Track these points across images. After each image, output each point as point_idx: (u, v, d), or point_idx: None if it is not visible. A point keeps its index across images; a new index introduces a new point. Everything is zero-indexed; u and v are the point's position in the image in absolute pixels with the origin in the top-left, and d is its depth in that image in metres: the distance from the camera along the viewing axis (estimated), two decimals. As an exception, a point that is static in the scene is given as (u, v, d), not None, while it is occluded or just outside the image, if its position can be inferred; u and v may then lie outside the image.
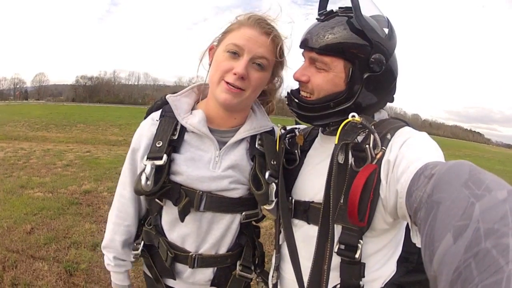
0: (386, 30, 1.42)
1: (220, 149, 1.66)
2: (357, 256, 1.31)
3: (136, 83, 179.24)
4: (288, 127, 1.79)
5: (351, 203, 1.21)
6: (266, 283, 1.82)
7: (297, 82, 1.52)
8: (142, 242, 1.74)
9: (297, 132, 1.73)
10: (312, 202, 1.48)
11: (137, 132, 1.72)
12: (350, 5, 1.38)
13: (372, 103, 1.47)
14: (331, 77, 1.40)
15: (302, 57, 1.52)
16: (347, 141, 1.29)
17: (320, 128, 1.65)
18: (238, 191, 1.64)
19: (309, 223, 1.49)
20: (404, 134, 1.31)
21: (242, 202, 1.65)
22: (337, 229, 1.35)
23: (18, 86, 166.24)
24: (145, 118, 1.76)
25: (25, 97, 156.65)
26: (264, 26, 1.55)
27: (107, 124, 28.39)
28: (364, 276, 1.35)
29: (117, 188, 1.78)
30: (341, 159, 1.29)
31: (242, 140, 1.71)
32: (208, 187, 1.59)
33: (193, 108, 1.73)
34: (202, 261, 1.65)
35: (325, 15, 1.46)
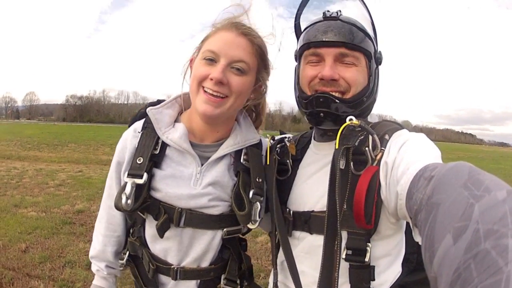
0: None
1: (202, 165, 1.61)
2: (367, 259, 1.30)
3: (125, 102, 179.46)
4: (277, 137, 1.76)
5: (357, 207, 1.22)
6: None
7: (305, 85, 1.50)
8: (128, 252, 1.72)
9: (286, 142, 1.67)
10: (313, 211, 1.47)
11: (120, 143, 1.68)
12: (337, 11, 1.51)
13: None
14: (361, 71, 1.45)
15: (311, 57, 1.49)
16: (348, 145, 1.31)
17: (316, 135, 1.64)
18: (219, 208, 1.59)
19: (311, 233, 1.47)
20: (403, 135, 1.33)
21: (223, 219, 1.60)
22: (343, 235, 1.32)
23: (9, 105, 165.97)
24: (129, 126, 1.72)
25: (17, 116, 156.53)
26: (240, 27, 1.52)
27: (98, 144, 28.26)
28: (374, 279, 1.35)
29: (105, 200, 1.75)
30: (342, 164, 1.29)
31: (225, 155, 1.65)
32: (186, 204, 1.55)
33: (176, 120, 1.69)
34: (184, 273, 1.62)
35: (336, 14, 1.50)
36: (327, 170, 1.33)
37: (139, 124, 1.66)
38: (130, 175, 1.52)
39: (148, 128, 1.61)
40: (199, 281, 1.66)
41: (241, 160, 1.65)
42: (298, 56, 1.57)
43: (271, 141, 1.72)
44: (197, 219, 1.57)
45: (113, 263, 1.76)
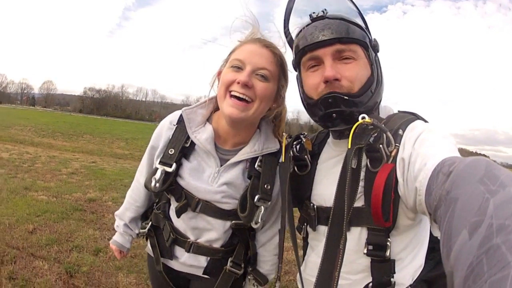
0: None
1: (220, 166, 1.81)
2: (387, 254, 1.33)
3: (143, 99, 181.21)
4: (294, 135, 1.81)
5: (375, 205, 1.25)
6: (258, 281, 2.01)
7: (314, 89, 1.48)
8: (150, 223, 2.04)
9: (303, 138, 1.73)
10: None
11: (156, 131, 1.93)
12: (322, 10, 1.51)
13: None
14: (362, 64, 1.43)
15: (310, 61, 1.49)
16: (361, 144, 1.32)
17: (333, 134, 1.64)
18: (229, 205, 1.79)
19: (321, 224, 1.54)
20: (416, 128, 1.32)
21: (232, 214, 1.80)
22: (363, 231, 1.38)
23: (25, 91, 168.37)
24: None
25: (32, 103, 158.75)
26: (263, 41, 1.70)
27: (114, 137, 28.50)
28: (395, 272, 1.36)
29: (136, 172, 2.09)
30: (354, 163, 1.31)
31: (242, 160, 1.82)
32: (203, 196, 1.78)
33: (208, 119, 1.89)
34: (197, 248, 1.87)
35: (323, 13, 1.50)
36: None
37: (174, 117, 1.89)
38: (162, 162, 1.78)
39: (182, 123, 1.83)
40: (208, 258, 1.91)
41: (255, 166, 1.81)
42: (297, 64, 1.59)
43: (288, 139, 1.76)
44: (210, 210, 1.80)
45: (130, 225, 2.15)
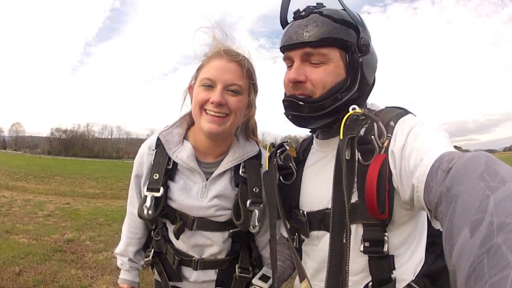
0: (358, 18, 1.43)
1: (206, 180, 1.80)
2: (385, 249, 1.26)
3: (109, 137, 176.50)
4: (277, 144, 1.74)
5: (369, 197, 1.18)
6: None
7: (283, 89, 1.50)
8: (153, 250, 1.95)
9: (286, 146, 1.68)
10: (327, 209, 1.40)
11: (137, 159, 1.89)
12: (315, 3, 1.44)
13: (370, 86, 1.47)
14: (332, 68, 1.36)
15: (286, 61, 1.48)
16: (353, 134, 1.27)
17: (318, 133, 1.60)
18: (224, 217, 1.79)
19: (329, 231, 1.36)
20: (408, 121, 1.27)
21: (228, 224, 1.80)
22: (359, 228, 1.29)
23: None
24: None
25: (3, 146, 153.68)
26: (229, 54, 1.67)
27: (84, 177, 27.98)
28: (395, 268, 1.29)
29: (128, 207, 2.00)
30: (347, 154, 1.26)
31: (226, 170, 1.82)
32: (197, 213, 1.77)
33: (185, 136, 1.87)
34: (203, 264, 1.84)
35: (304, 12, 1.42)
36: (333, 165, 1.32)
37: (152, 142, 1.87)
38: (149, 189, 1.75)
39: (161, 146, 1.81)
40: (217, 270, 1.88)
41: (240, 173, 1.82)
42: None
43: (271, 148, 1.72)
44: (206, 225, 1.79)
45: (134, 259, 2.03)
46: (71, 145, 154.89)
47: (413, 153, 1.12)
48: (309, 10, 1.41)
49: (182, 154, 1.78)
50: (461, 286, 0.64)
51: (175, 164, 1.80)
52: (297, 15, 1.44)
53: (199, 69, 1.75)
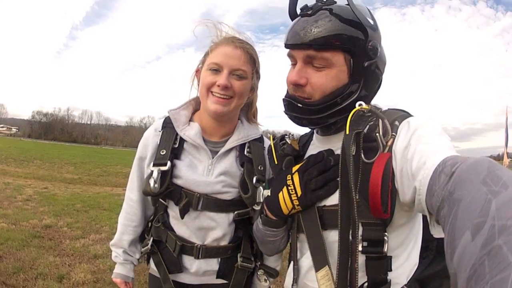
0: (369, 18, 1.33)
1: (212, 158, 1.84)
2: (385, 249, 1.20)
3: (88, 122, 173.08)
4: (278, 135, 1.68)
5: (374, 195, 1.13)
6: (269, 274, 1.93)
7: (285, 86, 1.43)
8: (151, 238, 1.90)
9: (287, 139, 1.57)
10: (325, 206, 1.35)
11: (142, 142, 1.90)
12: None
13: (374, 91, 1.41)
14: (334, 73, 1.29)
15: (290, 58, 1.40)
16: (359, 129, 1.21)
17: (319, 130, 1.52)
18: (230, 194, 1.81)
19: (325, 229, 1.35)
20: (413, 122, 1.23)
21: (234, 203, 1.81)
22: (358, 227, 1.21)
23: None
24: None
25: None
26: (236, 41, 1.77)
27: (62, 162, 27.43)
28: (391, 270, 1.24)
29: (126, 193, 1.97)
30: (353, 150, 1.20)
31: (232, 149, 1.87)
32: (203, 190, 1.77)
33: (190, 119, 1.91)
34: (206, 251, 1.81)
35: (311, 9, 1.32)
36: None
37: (158, 125, 1.91)
38: (156, 164, 1.76)
39: (167, 127, 1.86)
40: (219, 259, 1.86)
41: (245, 153, 1.89)
42: None
43: (274, 140, 1.65)
44: (212, 204, 1.79)
45: (129, 251, 1.97)
46: (51, 129, 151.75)
47: (416, 155, 1.10)
48: (317, 7, 1.31)
49: (190, 131, 1.83)
50: None
51: (181, 143, 1.84)
52: (304, 11, 1.34)
53: (206, 54, 1.81)
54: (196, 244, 1.81)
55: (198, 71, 1.89)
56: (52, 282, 4.67)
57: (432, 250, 1.43)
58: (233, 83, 1.72)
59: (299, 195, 1.36)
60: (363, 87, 1.33)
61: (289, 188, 1.38)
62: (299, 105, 1.34)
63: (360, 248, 1.20)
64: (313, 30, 1.26)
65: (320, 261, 1.32)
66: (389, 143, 1.21)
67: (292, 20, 1.41)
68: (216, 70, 1.72)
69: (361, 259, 1.22)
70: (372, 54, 1.30)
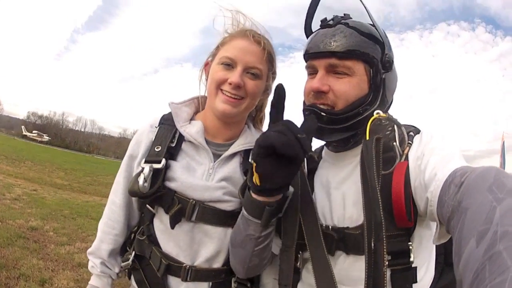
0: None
1: (214, 161, 1.61)
2: (412, 259, 1.17)
3: (82, 130, 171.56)
4: None
5: (398, 204, 1.11)
6: None
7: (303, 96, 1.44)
8: (133, 253, 1.62)
9: None
10: (348, 228, 1.29)
11: (135, 138, 1.68)
12: (342, 13, 1.39)
13: (390, 102, 1.42)
14: (356, 82, 1.30)
15: (309, 69, 1.41)
16: (379, 136, 1.21)
17: (333, 146, 1.48)
18: (232, 204, 1.54)
19: (348, 254, 1.28)
20: (427, 134, 1.25)
21: (234, 216, 1.48)
22: None
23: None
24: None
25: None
26: (253, 35, 1.55)
27: (53, 167, 27.06)
28: (416, 281, 1.20)
29: (110, 196, 1.70)
30: (374, 162, 1.17)
31: (236, 154, 1.64)
32: (201, 195, 1.51)
33: (191, 119, 1.70)
34: (196, 274, 1.53)
35: (333, 21, 1.36)
36: (354, 180, 1.28)
37: (155, 120, 1.68)
38: (148, 161, 1.53)
39: (165, 124, 1.64)
40: (210, 283, 1.57)
41: (249, 160, 1.57)
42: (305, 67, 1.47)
43: None
44: (209, 214, 1.52)
45: (108, 262, 1.66)
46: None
47: (428, 166, 1.10)
48: (337, 20, 1.36)
49: (191, 129, 1.62)
50: None
51: (179, 142, 1.61)
52: (325, 23, 1.38)
53: (218, 47, 1.62)
54: (184, 265, 1.53)
55: (207, 65, 1.68)
56: (34, 284, 4.53)
57: (440, 263, 1.39)
58: (246, 82, 1.52)
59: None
60: (383, 97, 1.35)
61: None
62: (322, 114, 1.31)
63: (386, 262, 1.12)
64: (336, 39, 1.29)
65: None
66: (406, 151, 1.21)
67: (307, 36, 1.46)
68: (229, 65, 1.52)
69: (387, 274, 1.14)
70: (388, 66, 1.34)
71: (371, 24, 1.38)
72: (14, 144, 46.33)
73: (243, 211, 1.34)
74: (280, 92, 1.23)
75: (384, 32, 1.38)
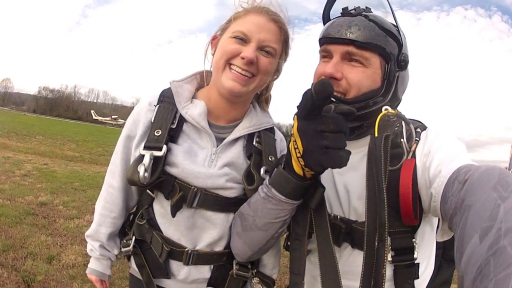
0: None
1: (217, 146, 1.51)
2: (415, 256, 1.16)
3: (95, 101, 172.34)
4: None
5: (405, 202, 1.10)
6: (265, 282, 1.62)
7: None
8: (134, 238, 1.57)
9: None
10: (356, 221, 1.27)
11: (132, 117, 1.55)
12: (364, 5, 1.36)
13: (399, 100, 1.39)
14: (370, 73, 1.27)
15: (323, 53, 1.37)
16: (388, 133, 1.18)
17: None
18: (234, 191, 1.49)
19: (353, 247, 1.28)
20: (433, 131, 1.23)
21: (237, 202, 1.45)
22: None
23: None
24: None
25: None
26: (270, 13, 1.44)
27: (65, 139, 27.18)
28: (418, 277, 1.20)
29: (106, 177, 1.61)
30: (382, 157, 1.14)
31: (239, 137, 1.56)
32: (203, 183, 1.44)
33: (193, 96, 1.58)
34: (197, 257, 1.49)
35: (354, 11, 1.34)
36: (359, 174, 1.25)
37: (153, 98, 1.54)
38: (147, 147, 1.41)
39: (165, 102, 1.52)
40: (212, 266, 1.54)
41: (254, 143, 1.56)
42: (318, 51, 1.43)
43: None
44: (211, 201, 1.46)
45: (107, 245, 1.61)
46: (57, 106, 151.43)
47: (433, 163, 1.10)
48: (359, 11, 1.34)
49: (193, 110, 1.49)
50: None
51: (180, 124, 1.50)
52: (346, 11, 1.36)
53: (231, 20, 1.48)
54: (186, 249, 1.48)
55: (215, 39, 1.53)
56: (41, 262, 4.41)
57: (438, 256, 1.41)
58: (259, 58, 1.39)
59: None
60: (393, 94, 1.32)
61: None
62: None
63: (389, 258, 1.15)
64: (357, 29, 1.26)
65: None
66: (413, 148, 1.19)
67: (325, 22, 1.44)
68: (242, 39, 1.39)
69: (389, 269, 1.17)
70: (403, 65, 1.32)
71: (393, 24, 1.36)
72: (24, 120, 46.54)
73: (275, 193, 1.18)
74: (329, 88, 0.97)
75: (404, 34, 1.37)
